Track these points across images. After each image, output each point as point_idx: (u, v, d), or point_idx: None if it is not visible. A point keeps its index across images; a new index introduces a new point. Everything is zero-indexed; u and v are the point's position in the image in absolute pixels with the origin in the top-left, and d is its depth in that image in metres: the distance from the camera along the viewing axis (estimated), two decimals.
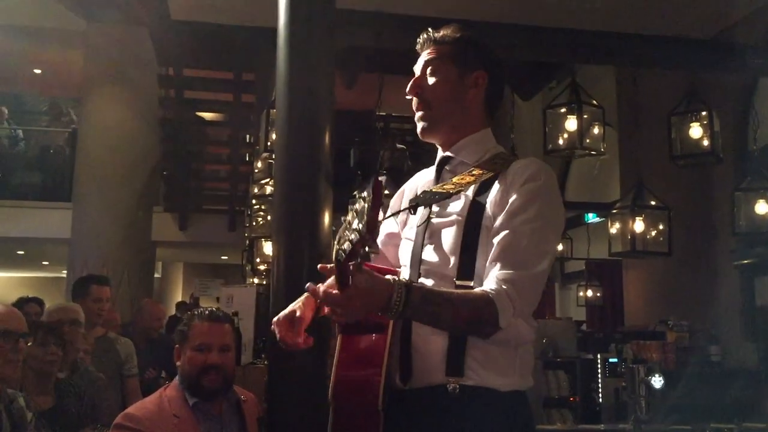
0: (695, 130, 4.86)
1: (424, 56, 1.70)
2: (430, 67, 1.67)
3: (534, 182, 1.54)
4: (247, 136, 9.26)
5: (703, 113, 4.84)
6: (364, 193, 1.18)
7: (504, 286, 1.46)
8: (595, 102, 4.74)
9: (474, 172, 1.59)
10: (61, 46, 9.77)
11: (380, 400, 1.44)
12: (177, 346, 2.45)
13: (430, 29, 1.71)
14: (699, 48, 5.01)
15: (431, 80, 1.66)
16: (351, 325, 1.49)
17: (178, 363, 2.43)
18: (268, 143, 4.75)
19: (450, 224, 1.58)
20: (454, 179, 1.60)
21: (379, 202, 1.16)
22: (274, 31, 3.65)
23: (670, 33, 4.93)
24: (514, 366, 1.55)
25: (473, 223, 1.55)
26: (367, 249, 1.20)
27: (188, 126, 9.65)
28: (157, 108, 8.58)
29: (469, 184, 1.57)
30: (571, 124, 4.62)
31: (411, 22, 4.73)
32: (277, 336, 1.55)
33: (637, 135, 5.69)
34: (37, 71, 11.23)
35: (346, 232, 1.23)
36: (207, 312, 2.50)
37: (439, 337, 1.51)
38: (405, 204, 1.82)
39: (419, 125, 1.69)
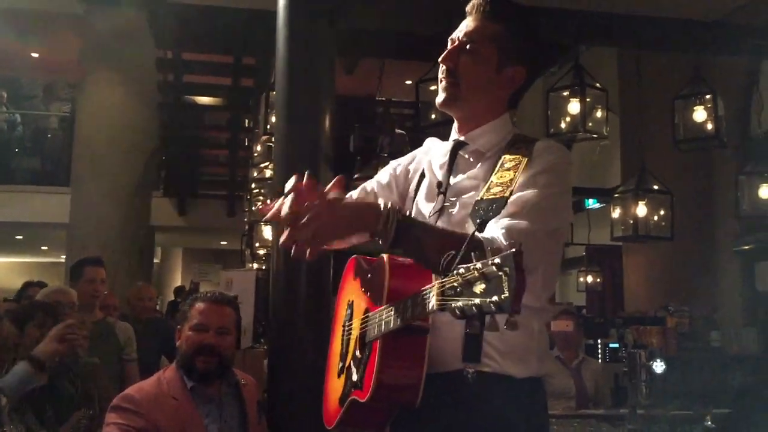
0: (699, 114, 4.82)
1: (470, 25, 1.59)
2: (471, 45, 1.56)
3: (552, 155, 1.51)
4: (246, 120, 9.19)
5: (707, 96, 4.80)
6: (497, 260, 1.02)
7: (498, 235, 1.37)
8: (598, 84, 4.69)
9: (507, 165, 1.49)
10: (59, 30, 9.68)
11: (419, 400, 1.38)
12: (179, 327, 2.44)
13: None
14: (705, 30, 4.96)
15: (469, 59, 1.56)
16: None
17: (178, 343, 2.42)
18: (267, 126, 4.70)
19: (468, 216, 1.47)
20: (495, 179, 1.48)
21: (523, 282, 1.02)
22: (273, 14, 3.60)
23: (675, 15, 4.88)
24: (532, 353, 1.50)
25: None
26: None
27: (187, 110, 9.58)
28: (156, 92, 8.52)
29: (513, 180, 1.46)
30: (574, 107, 4.58)
31: (413, 5, 4.68)
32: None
33: (639, 119, 5.65)
34: (35, 55, 11.14)
35: (461, 289, 1.09)
36: (210, 294, 2.50)
37: (458, 324, 1.41)
38: (416, 176, 1.71)
39: (441, 95, 1.60)
